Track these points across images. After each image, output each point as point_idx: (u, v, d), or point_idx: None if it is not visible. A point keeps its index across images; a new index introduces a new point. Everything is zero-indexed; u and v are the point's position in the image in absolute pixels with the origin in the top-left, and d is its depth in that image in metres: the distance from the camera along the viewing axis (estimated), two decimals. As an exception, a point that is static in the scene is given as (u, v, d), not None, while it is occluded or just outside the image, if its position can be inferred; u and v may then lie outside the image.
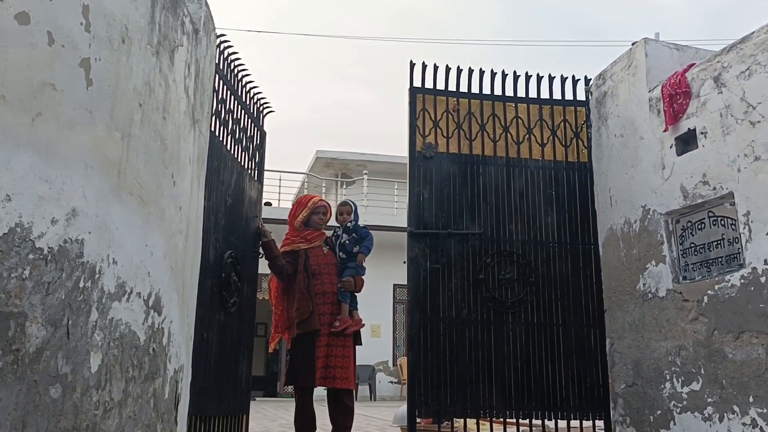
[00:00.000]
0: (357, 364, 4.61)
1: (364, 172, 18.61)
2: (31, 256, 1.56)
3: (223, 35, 3.60)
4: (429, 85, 4.02)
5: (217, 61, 3.54)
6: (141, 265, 2.15)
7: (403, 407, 5.68)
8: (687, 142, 3.28)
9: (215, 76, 3.48)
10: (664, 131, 3.39)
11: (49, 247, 1.63)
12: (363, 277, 4.64)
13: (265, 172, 4.74)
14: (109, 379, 1.94)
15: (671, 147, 3.37)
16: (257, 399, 15.50)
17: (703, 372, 3.05)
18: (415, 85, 4.00)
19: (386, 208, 17.79)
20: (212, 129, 3.48)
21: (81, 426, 1.78)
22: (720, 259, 3.09)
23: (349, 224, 4.65)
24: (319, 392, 4.39)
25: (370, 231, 4.71)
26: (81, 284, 1.77)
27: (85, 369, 1.80)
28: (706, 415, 3.01)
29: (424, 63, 4.00)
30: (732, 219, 3.02)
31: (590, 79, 4.17)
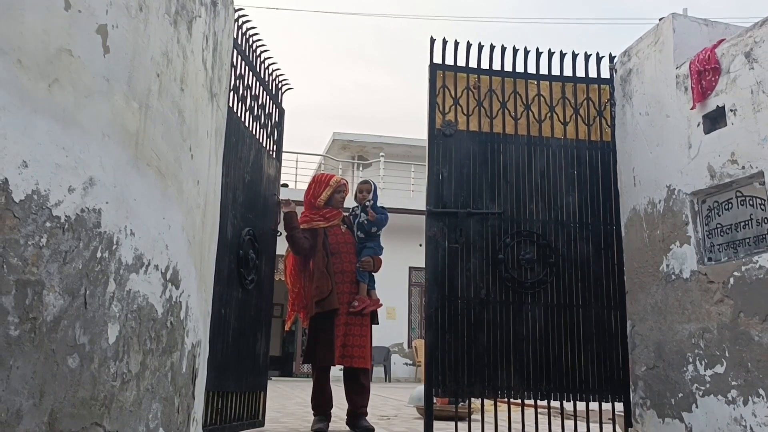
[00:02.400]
0: (373, 345, 4.61)
1: (380, 154, 18.56)
2: (48, 224, 1.54)
3: (241, 9, 3.56)
4: (449, 61, 3.94)
5: (235, 36, 3.50)
6: (159, 237, 2.13)
7: (419, 388, 5.68)
8: (715, 120, 3.19)
9: (233, 51, 3.44)
10: (692, 109, 3.30)
11: (66, 216, 1.61)
12: (381, 257, 4.63)
13: (283, 153, 4.70)
14: (126, 351, 1.93)
15: (698, 125, 3.28)
16: (273, 378, 15.63)
17: (727, 355, 2.99)
18: (435, 61, 3.92)
19: (402, 191, 17.75)
20: (230, 105, 3.45)
21: (99, 396, 1.77)
22: (747, 240, 3.01)
23: (367, 203, 4.63)
24: (335, 372, 4.39)
25: (387, 212, 4.69)
26: (98, 254, 1.75)
27: (103, 340, 1.79)
28: (730, 398, 2.95)
29: (444, 39, 3.93)
30: (761, 199, 2.94)
31: (615, 56, 4.07)
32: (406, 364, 17.07)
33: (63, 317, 1.61)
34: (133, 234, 1.94)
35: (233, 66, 3.49)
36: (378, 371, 16.03)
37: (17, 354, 1.46)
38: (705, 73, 3.19)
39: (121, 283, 1.88)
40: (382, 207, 4.75)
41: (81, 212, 1.67)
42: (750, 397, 2.85)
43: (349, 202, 4.83)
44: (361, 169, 19.11)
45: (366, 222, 4.55)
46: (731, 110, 3.06)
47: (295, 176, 17.33)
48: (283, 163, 4.98)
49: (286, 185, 16.12)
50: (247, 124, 3.84)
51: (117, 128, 1.85)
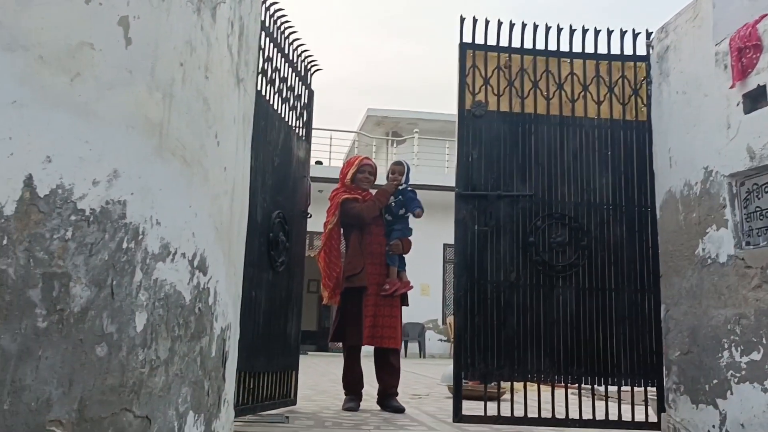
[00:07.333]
0: (407, 321, 4.66)
1: (415, 130, 18.45)
2: (73, 218, 1.57)
3: (269, -9, 3.54)
4: (480, 40, 3.87)
5: (263, 19, 3.49)
6: (185, 226, 2.15)
7: (451, 367, 5.70)
8: (756, 99, 3.06)
9: (261, 34, 3.43)
10: (731, 88, 3.18)
11: (91, 209, 1.63)
12: (410, 238, 4.62)
13: (316, 131, 4.77)
14: (155, 338, 1.97)
15: (738, 105, 3.16)
16: (309, 353, 15.86)
17: (764, 342, 2.91)
18: (465, 40, 3.86)
19: (437, 168, 17.65)
20: (258, 88, 3.45)
21: (128, 383, 1.81)
22: (788, 225, 2.91)
23: (400, 186, 4.60)
24: (367, 349, 4.43)
25: (417, 191, 4.67)
26: (124, 245, 1.77)
27: (131, 328, 1.82)
28: (767, 386, 2.88)
29: (474, 17, 3.85)
30: (803, 182, 2.83)
31: (651, 32, 3.94)
32: (441, 340, 17.14)
33: (90, 308, 1.64)
34: (159, 223, 1.96)
35: (261, 49, 3.48)
36: (413, 347, 16.13)
37: (45, 345, 1.50)
38: (746, 51, 3.06)
39: (148, 273, 1.91)
40: (413, 188, 4.73)
41: (106, 204, 1.69)
42: (787, 386, 2.77)
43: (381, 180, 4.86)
44: (395, 145, 19.04)
45: (394, 205, 4.53)
46: (773, 89, 2.94)
47: (329, 153, 17.37)
48: (317, 140, 5.05)
49: (320, 162, 16.18)
50: (275, 107, 3.84)
51: (140, 119, 1.86)
